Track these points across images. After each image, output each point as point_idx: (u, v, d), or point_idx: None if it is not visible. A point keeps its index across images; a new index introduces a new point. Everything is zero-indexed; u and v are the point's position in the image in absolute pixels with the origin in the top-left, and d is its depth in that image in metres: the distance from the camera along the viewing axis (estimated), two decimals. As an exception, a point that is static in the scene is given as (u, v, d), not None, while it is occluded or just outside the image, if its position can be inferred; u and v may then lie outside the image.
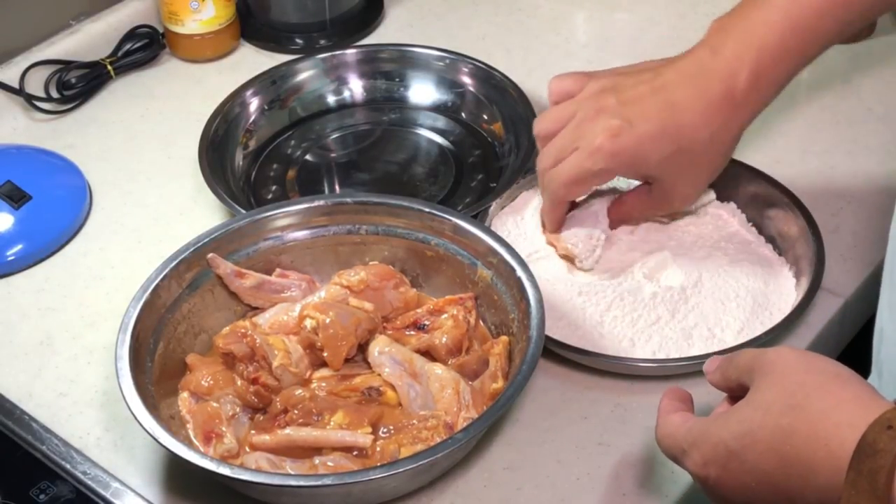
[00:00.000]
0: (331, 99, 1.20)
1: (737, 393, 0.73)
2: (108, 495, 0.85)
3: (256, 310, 0.95)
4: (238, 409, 0.87)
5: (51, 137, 1.18)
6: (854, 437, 0.62)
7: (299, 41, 1.29)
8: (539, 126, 0.97)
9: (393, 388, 0.87)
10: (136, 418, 0.81)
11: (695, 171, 0.93)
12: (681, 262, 0.96)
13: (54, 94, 1.21)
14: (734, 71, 0.88)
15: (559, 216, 0.97)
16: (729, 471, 0.69)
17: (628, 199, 0.98)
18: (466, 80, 1.18)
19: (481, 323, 0.94)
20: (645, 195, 0.96)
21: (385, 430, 0.85)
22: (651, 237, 1.00)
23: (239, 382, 0.88)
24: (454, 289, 0.95)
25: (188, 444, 0.82)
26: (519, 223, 1.02)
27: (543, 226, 0.99)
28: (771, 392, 0.69)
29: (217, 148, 1.11)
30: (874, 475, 0.61)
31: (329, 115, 1.19)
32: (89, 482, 0.86)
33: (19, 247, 1.05)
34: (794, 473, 0.66)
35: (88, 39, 1.27)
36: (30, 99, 1.20)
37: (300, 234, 0.96)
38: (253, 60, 1.27)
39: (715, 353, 0.90)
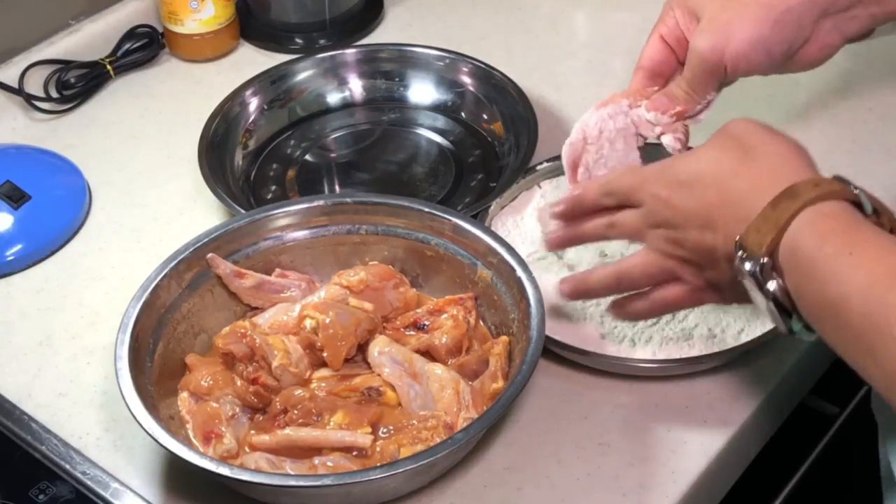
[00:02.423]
0: (331, 99, 1.20)
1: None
2: (107, 495, 0.85)
3: (256, 310, 0.95)
4: (238, 410, 0.87)
5: (50, 137, 1.18)
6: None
7: (299, 41, 1.29)
8: None
9: (393, 388, 0.87)
10: (135, 418, 0.81)
11: (741, 13, 0.89)
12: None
13: (54, 94, 1.21)
14: None
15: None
16: (673, 199, 0.79)
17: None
18: (466, 79, 1.18)
19: (481, 323, 0.93)
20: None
21: (385, 430, 0.85)
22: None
23: (238, 382, 0.88)
24: (454, 289, 0.94)
25: (188, 444, 0.82)
26: (519, 223, 1.01)
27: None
28: (723, 146, 0.79)
29: (217, 148, 1.11)
30: (783, 212, 0.72)
31: (329, 115, 1.19)
32: (89, 482, 0.86)
33: (19, 247, 1.05)
34: (728, 204, 0.76)
35: (88, 39, 1.27)
36: (29, 99, 1.20)
37: (300, 234, 0.96)
38: (253, 60, 1.27)
39: (714, 354, 0.90)
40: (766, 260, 0.72)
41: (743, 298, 0.78)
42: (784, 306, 0.72)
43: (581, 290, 0.88)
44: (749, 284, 0.74)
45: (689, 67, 0.91)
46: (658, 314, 0.89)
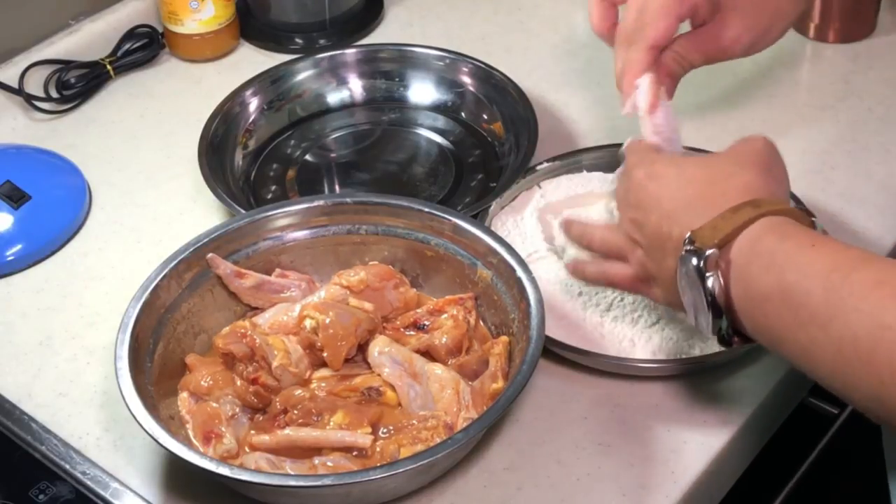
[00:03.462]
0: (331, 99, 1.20)
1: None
2: (107, 495, 0.85)
3: (256, 310, 0.95)
4: (238, 410, 0.87)
5: (50, 137, 1.18)
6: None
7: (299, 41, 1.29)
8: None
9: (393, 388, 0.87)
10: (135, 418, 0.81)
11: (755, 10, 0.93)
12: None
13: (54, 94, 1.21)
14: None
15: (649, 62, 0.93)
16: (650, 185, 0.83)
17: (681, 39, 0.93)
18: (466, 79, 1.18)
19: (481, 323, 0.93)
20: (699, 35, 0.94)
21: (385, 430, 0.85)
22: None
23: (238, 382, 0.88)
24: (454, 289, 0.94)
25: (188, 444, 0.82)
26: (519, 223, 1.01)
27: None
28: (720, 156, 0.83)
29: (216, 148, 1.11)
30: (743, 216, 0.76)
31: (329, 115, 1.19)
32: (89, 482, 0.86)
33: (19, 247, 1.05)
34: (694, 207, 0.79)
35: (88, 39, 1.27)
36: (29, 99, 1.20)
37: (300, 234, 0.96)
38: (252, 60, 1.27)
39: (714, 353, 0.90)
40: (711, 252, 0.75)
41: (673, 301, 0.82)
42: (717, 306, 0.76)
43: (565, 227, 0.94)
44: (687, 281, 0.77)
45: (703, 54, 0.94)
46: (601, 285, 0.93)
